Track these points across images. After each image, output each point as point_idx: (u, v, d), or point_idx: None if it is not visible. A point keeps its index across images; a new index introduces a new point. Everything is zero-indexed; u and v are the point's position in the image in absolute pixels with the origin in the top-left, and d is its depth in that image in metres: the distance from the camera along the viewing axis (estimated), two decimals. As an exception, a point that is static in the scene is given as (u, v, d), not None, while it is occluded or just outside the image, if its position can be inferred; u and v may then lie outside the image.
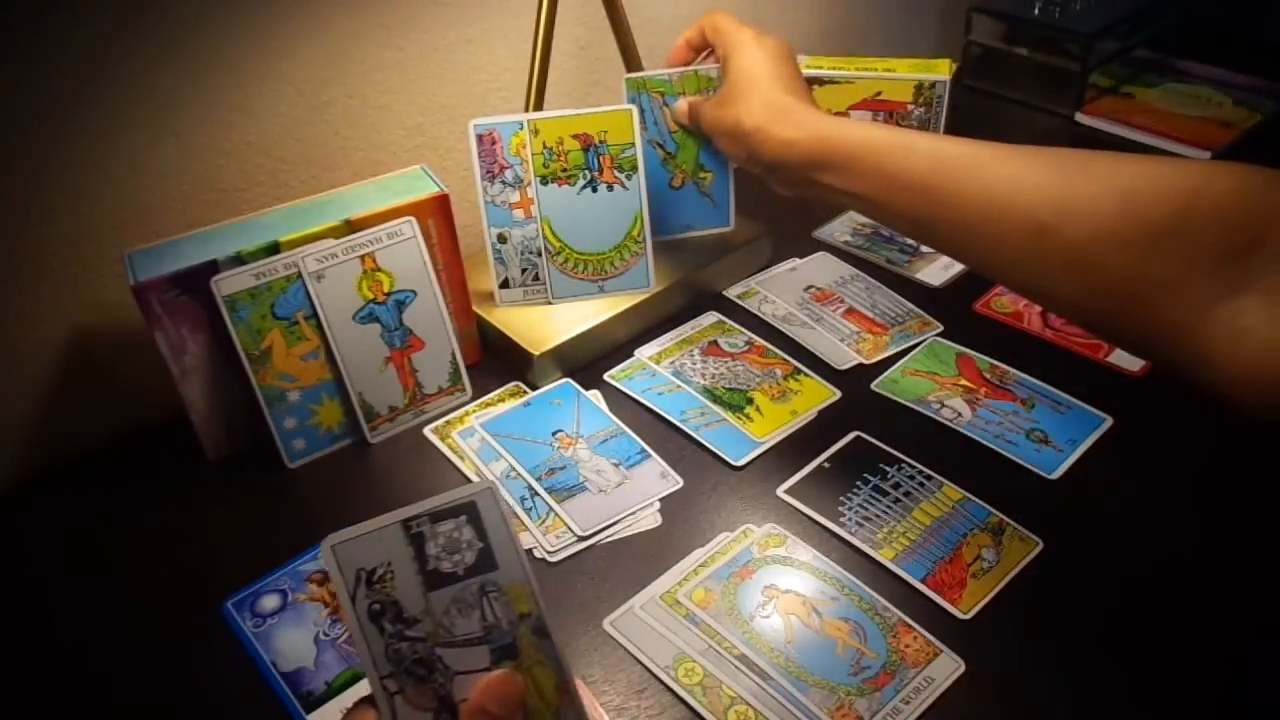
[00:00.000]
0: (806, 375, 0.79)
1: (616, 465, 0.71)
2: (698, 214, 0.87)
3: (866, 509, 0.67)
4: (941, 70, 1.06)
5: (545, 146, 0.78)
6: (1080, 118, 1.16)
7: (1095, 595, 0.62)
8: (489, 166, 0.78)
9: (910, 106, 1.08)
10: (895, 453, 0.71)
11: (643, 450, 0.73)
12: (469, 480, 0.72)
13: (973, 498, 0.67)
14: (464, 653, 0.38)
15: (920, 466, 0.70)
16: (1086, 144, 1.14)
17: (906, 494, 0.68)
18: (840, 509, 0.67)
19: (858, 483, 0.69)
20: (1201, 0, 1.28)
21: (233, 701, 0.58)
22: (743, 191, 0.90)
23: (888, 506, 0.67)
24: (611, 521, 0.67)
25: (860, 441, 0.73)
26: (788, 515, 0.67)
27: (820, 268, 0.93)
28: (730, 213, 0.87)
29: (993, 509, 0.66)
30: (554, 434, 0.74)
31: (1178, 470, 0.70)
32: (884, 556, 0.63)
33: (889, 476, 0.69)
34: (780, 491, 0.69)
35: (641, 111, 0.80)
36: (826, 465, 0.70)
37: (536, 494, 0.69)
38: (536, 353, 0.78)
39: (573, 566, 0.65)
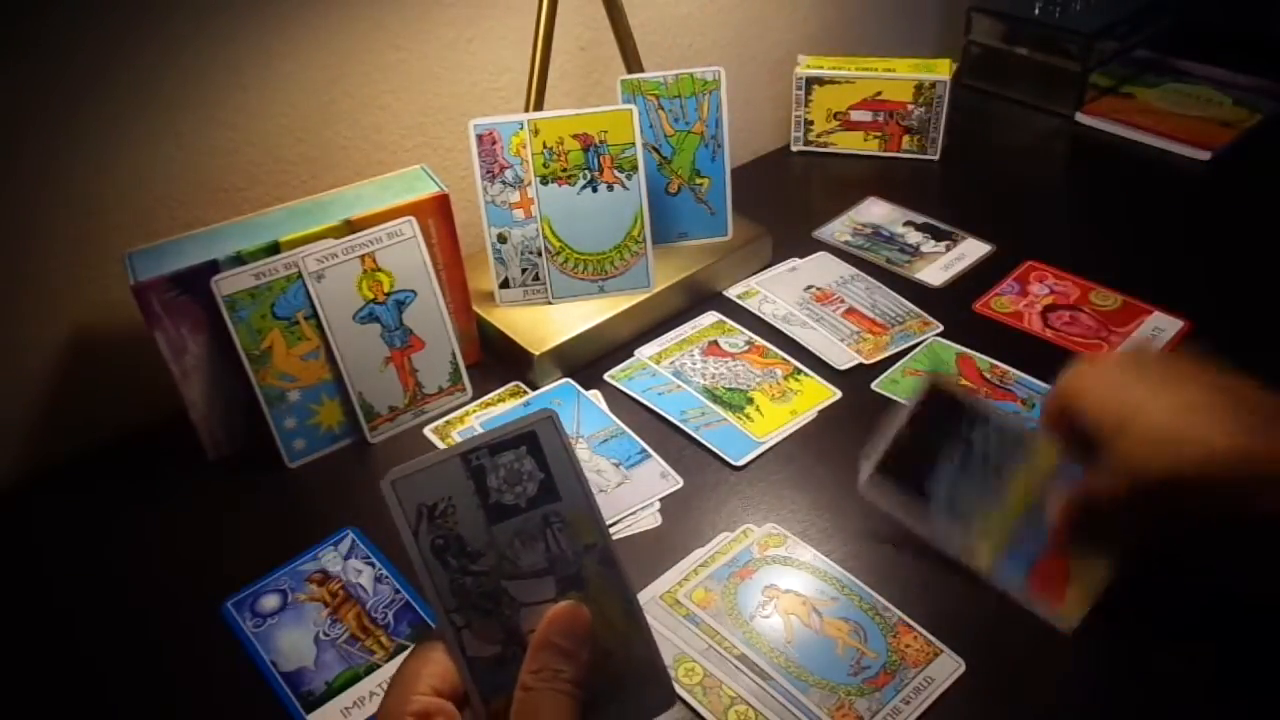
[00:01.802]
0: (806, 375, 0.79)
1: (617, 465, 0.71)
2: (694, 222, 0.87)
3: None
4: (941, 70, 1.06)
5: (545, 146, 0.78)
6: (1080, 118, 1.16)
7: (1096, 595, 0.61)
8: (489, 166, 0.78)
9: (910, 106, 1.08)
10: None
11: (643, 450, 0.73)
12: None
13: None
14: (529, 584, 0.38)
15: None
16: (1086, 144, 1.14)
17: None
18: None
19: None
20: (1201, 0, 1.28)
21: (233, 701, 0.58)
22: (742, 191, 0.90)
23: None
24: (611, 521, 0.67)
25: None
26: (788, 515, 0.67)
27: (820, 268, 0.93)
28: (728, 221, 0.87)
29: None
30: (554, 434, 0.74)
31: (1178, 470, 0.70)
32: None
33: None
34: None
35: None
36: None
37: (536, 494, 0.69)
38: (536, 353, 0.78)
39: (573, 566, 0.65)
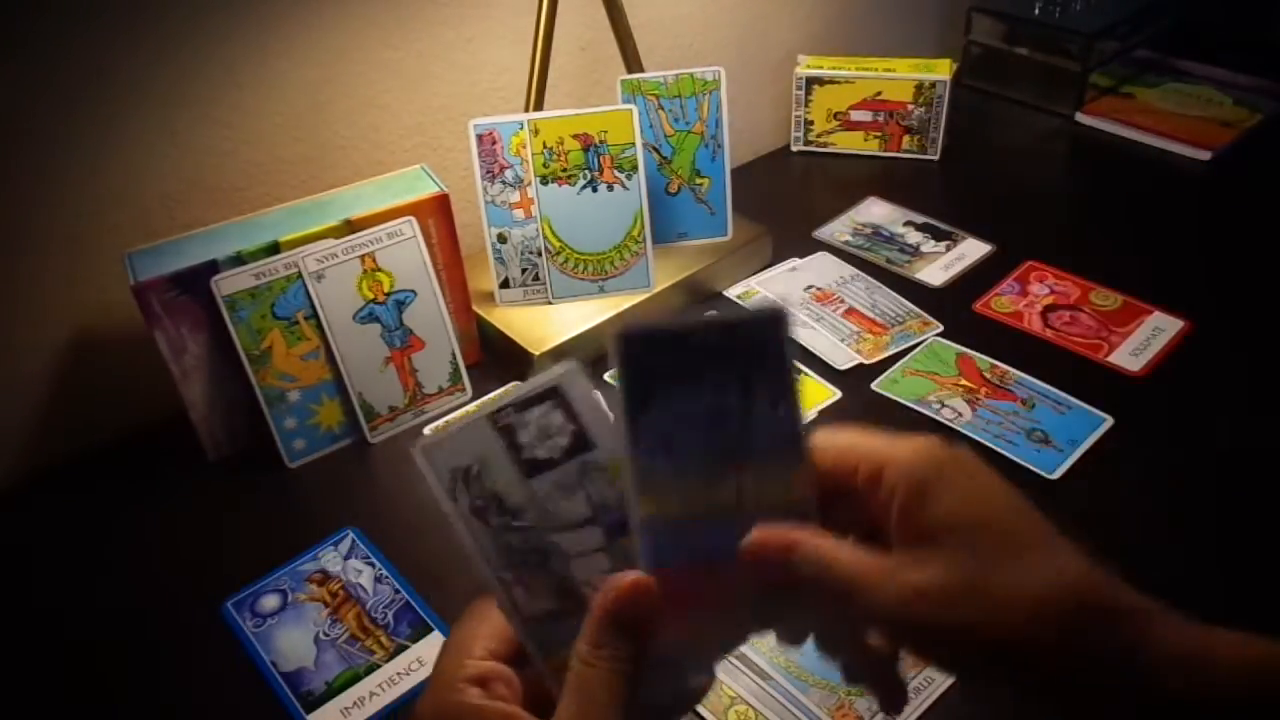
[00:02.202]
0: (806, 375, 0.79)
1: (616, 465, 0.71)
2: (694, 222, 0.87)
3: None
4: (941, 70, 1.06)
5: (545, 146, 0.78)
6: (1080, 118, 1.16)
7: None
8: (489, 166, 0.78)
9: (910, 106, 1.08)
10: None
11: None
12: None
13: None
14: (576, 535, 0.37)
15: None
16: (1087, 144, 1.14)
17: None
18: None
19: None
20: (1201, 0, 1.28)
21: (233, 701, 0.58)
22: (742, 191, 0.90)
23: None
24: (611, 521, 0.67)
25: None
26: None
27: (820, 268, 0.93)
28: (728, 221, 0.87)
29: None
30: (554, 434, 0.74)
31: (1177, 470, 0.70)
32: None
33: None
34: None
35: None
36: None
37: (536, 494, 0.69)
38: (536, 353, 0.78)
39: (573, 566, 0.65)
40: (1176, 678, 0.33)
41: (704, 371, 0.37)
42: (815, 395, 0.77)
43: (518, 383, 0.38)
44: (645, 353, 0.37)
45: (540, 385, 0.38)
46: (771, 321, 0.36)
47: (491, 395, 0.79)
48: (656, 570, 0.36)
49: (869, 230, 0.98)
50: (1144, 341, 0.81)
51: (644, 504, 0.36)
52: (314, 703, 0.58)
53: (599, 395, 0.38)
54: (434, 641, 0.60)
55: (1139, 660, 0.33)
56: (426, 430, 0.76)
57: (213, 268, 0.68)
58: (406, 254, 0.73)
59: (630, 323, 0.37)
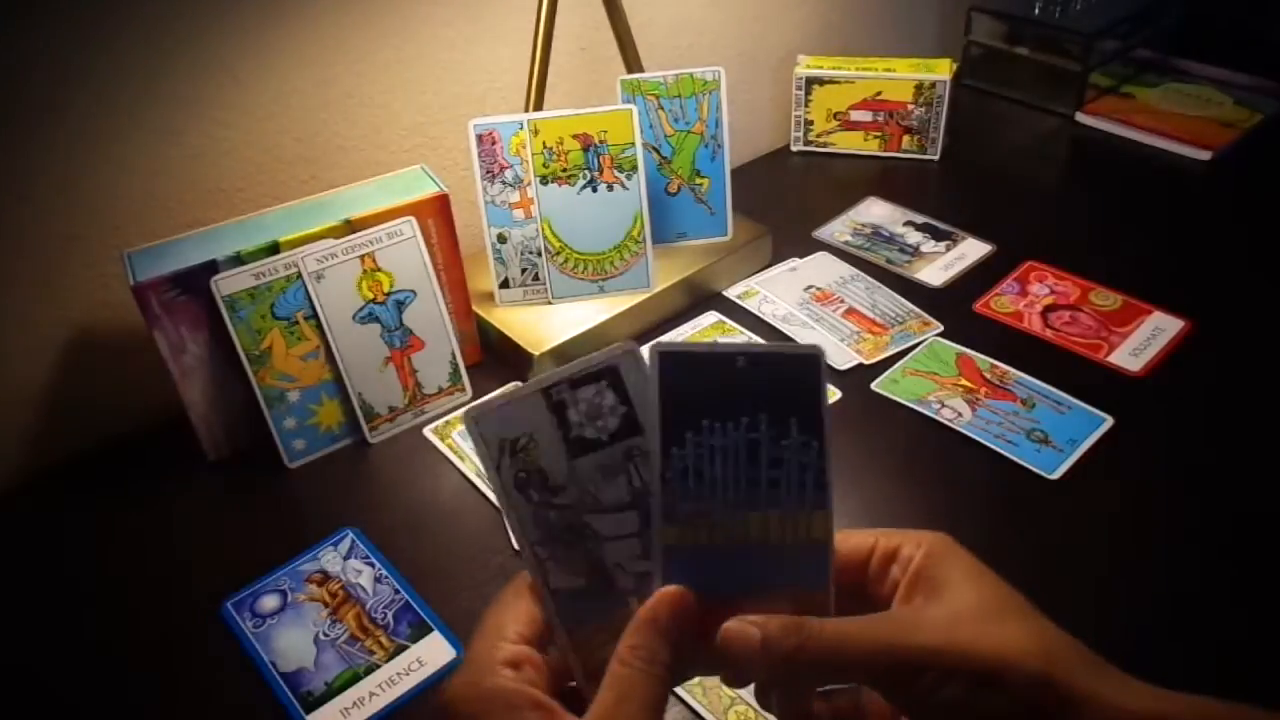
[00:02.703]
0: (806, 375, 0.79)
1: (616, 465, 0.71)
2: (694, 222, 0.87)
3: None
4: (941, 70, 1.06)
5: (545, 146, 0.78)
6: (1080, 117, 1.16)
7: (1096, 596, 0.61)
8: (489, 166, 0.78)
9: (910, 106, 1.08)
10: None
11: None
12: (470, 481, 0.72)
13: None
14: (613, 519, 0.37)
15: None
16: (1087, 144, 1.14)
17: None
18: None
19: None
20: (1201, 0, 1.28)
21: (232, 701, 0.58)
22: (742, 191, 0.90)
23: None
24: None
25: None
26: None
27: (820, 268, 0.93)
28: (728, 221, 0.87)
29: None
30: (554, 434, 0.74)
31: (1178, 470, 0.70)
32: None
33: None
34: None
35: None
36: None
37: (536, 494, 0.69)
38: (536, 353, 0.78)
39: (573, 566, 0.65)
40: None
41: (739, 401, 0.37)
42: (815, 395, 0.77)
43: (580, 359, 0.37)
44: (684, 375, 0.37)
45: (596, 364, 0.37)
46: (810, 359, 0.37)
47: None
48: None
49: (869, 230, 0.98)
50: (1144, 341, 0.81)
51: (664, 534, 0.37)
52: (314, 703, 0.58)
53: (654, 381, 0.37)
54: (434, 641, 0.60)
55: None
56: (426, 430, 0.76)
57: (212, 268, 0.68)
58: (406, 254, 0.73)
59: (669, 342, 0.38)
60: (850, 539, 0.40)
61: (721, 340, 0.82)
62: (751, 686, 0.39)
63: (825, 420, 0.37)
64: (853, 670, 0.37)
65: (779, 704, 0.39)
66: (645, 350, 0.37)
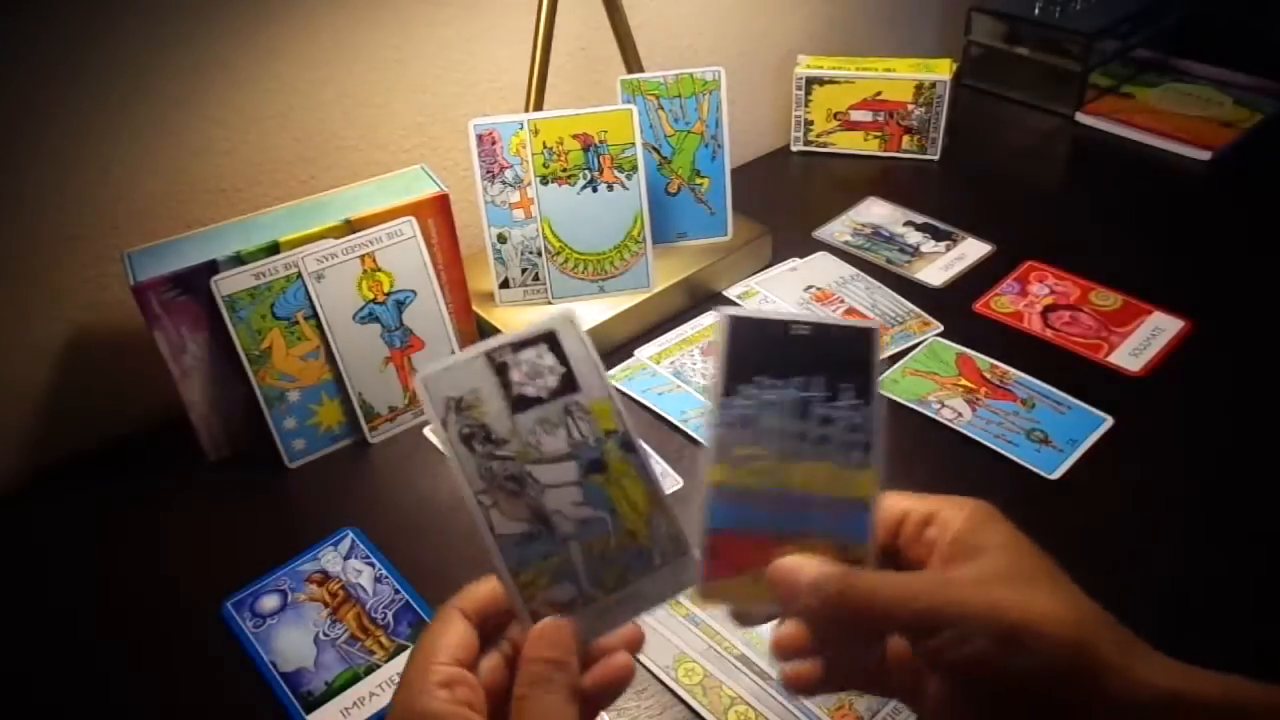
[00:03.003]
0: (806, 375, 0.79)
1: (616, 465, 0.71)
2: (694, 222, 0.87)
3: None
4: (941, 70, 1.06)
5: (545, 146, 0.78)
6: (1080, 118, 1.16)
7: (1095, 597, 0.61)
8: (489, 166, 0.78)
9: (910, 106, 1.08)
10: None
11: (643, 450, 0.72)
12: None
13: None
14: (553, 468, 0.41)
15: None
16: (1087, 144, 1.14)
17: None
18: None
19: None
20: (1201, 0, 1.28)
21: (232, 701, 0.58)
22: (742, 191, 0.90)
23: None
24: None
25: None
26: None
27: (820, 268, 0.93)
28: (728, 221, 0.87)
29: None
30: (554, 434, 0.74)
31: (1178, 470, 0.70)
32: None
33: None
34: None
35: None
36: None
37: (536, 494, 0.69)
38: (536, 353, 0.78)
39: (573, 566, 0.65)
40: None
41: (796, 365, 0.41)
42: (815, 395, 0.77)
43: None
44: (745, 337, 0.42)
45: (536, 329, 0.41)
46: (866, 333, 0.41)
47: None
48: (713, 533, 0.41)
49: (869, 230, 0.98)
50: (1144, 341, 0.81)
51: (714, 471, 0.41)
52: (314, 703, 0.58)
53: (589, 343, 0.41)
54: (434, 641, 0.60)
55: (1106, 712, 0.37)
56: (426, 430, 0.76)
57: (213, 268, 0.68)
58: (406, 254, 0.73)
59: (734, 309, 0.41)
60: (887, 501, 0.42)
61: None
62: (749, 687, 0.39)
63: (876, 388, 0.41)
64: (886, 620, 0.39)
65: (826, 659, 0.42)
66: (712, 315, 0.40)
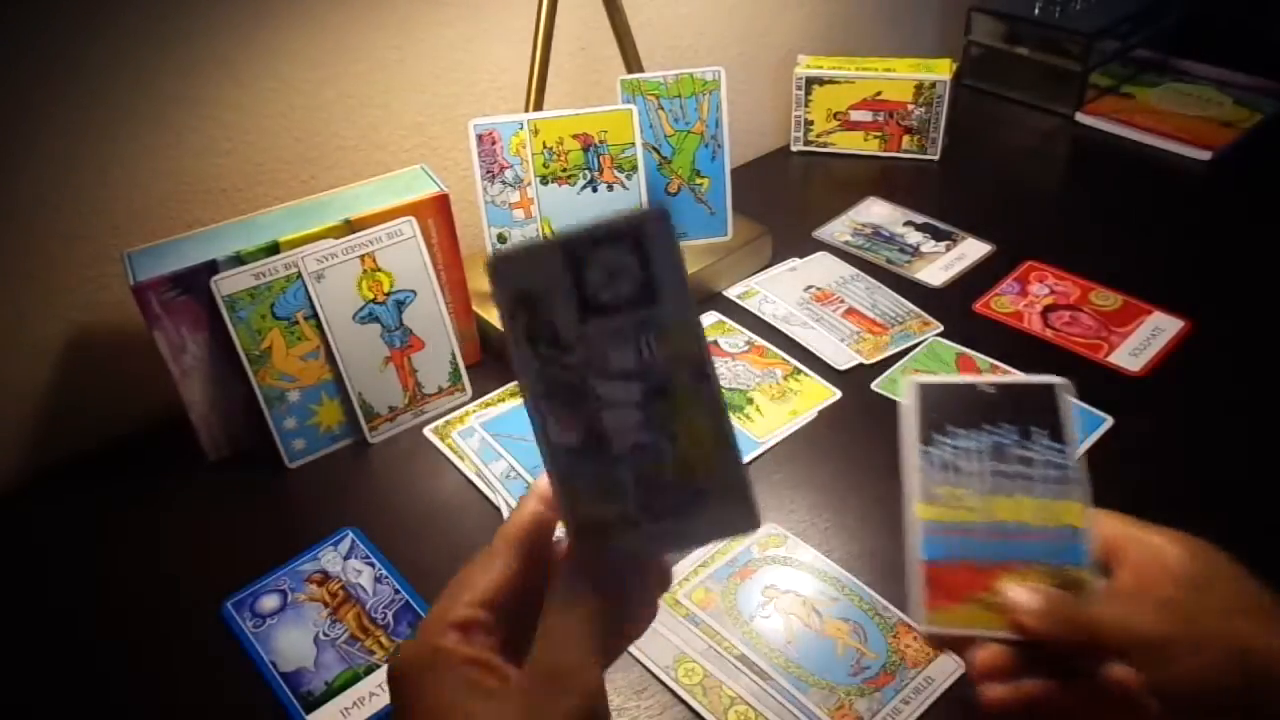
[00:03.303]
0: (806, 375, 0.79)
1: (616, 465, 0.71)
2: (694, 222, 0.87)
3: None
4: (941, 70, 1.06)
5: (545, 146, 0.78)
6: (1080, 117, 1.16)
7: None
8: (489, 166, 0.78)
9: (910, 106, 1.08)
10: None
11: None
12: (470, 480, 0.72)
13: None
14: (616, 386, 0.37)
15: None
16: (1087, 144, 1.14)
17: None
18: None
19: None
20: (1201, 0, 1.28)
21: (232, 701, 0.58)
22: (742, 191, 0.90)
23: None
24: (611, 521, 0.67)
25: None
26: (787, 514, 0.67)
27: (820, 268, 0.93)
28: (728, 221, 0.87)
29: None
30: (554, 434, 0.74)
31: (1178, 470, 0.70)
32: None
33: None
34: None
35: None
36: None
37: (536, 494, 0.69)
38: (536, 353, 0.78)
39: (573, 566, 0.65)
40: None
41: (986, 419, 0.45)
42: (815, 395, 0.77)
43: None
44: (935, 400, 0.45)
45: (623, 224, 0.36)
46: (1051, 388, 0.44)
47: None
48: (928, 563, 0.44)
49: (869, 230, 0.98)
50: (1144, 341, 0.81)
51: (921, 509, 0.44)
52: (314, 703, 0.58)
53: (679, 252, 0.36)
54: (434, 641, 0.60)
55: None
56: (426, 430, 0.76)
57: (212, 268, 0.68)
58: (406, 254, 0.73)
59: (922, 376, 0.47)
60: (1112, 526, 0.45)
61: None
62: (749, 687, 0.40)
63: (1070, 431, 0.44)
64: (1103, 645, 0.41)
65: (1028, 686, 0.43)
66: (908, 383, 0.45)
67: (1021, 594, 0.42)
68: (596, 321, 0.36)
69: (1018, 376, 0.45)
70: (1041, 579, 0.43)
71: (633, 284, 0.36)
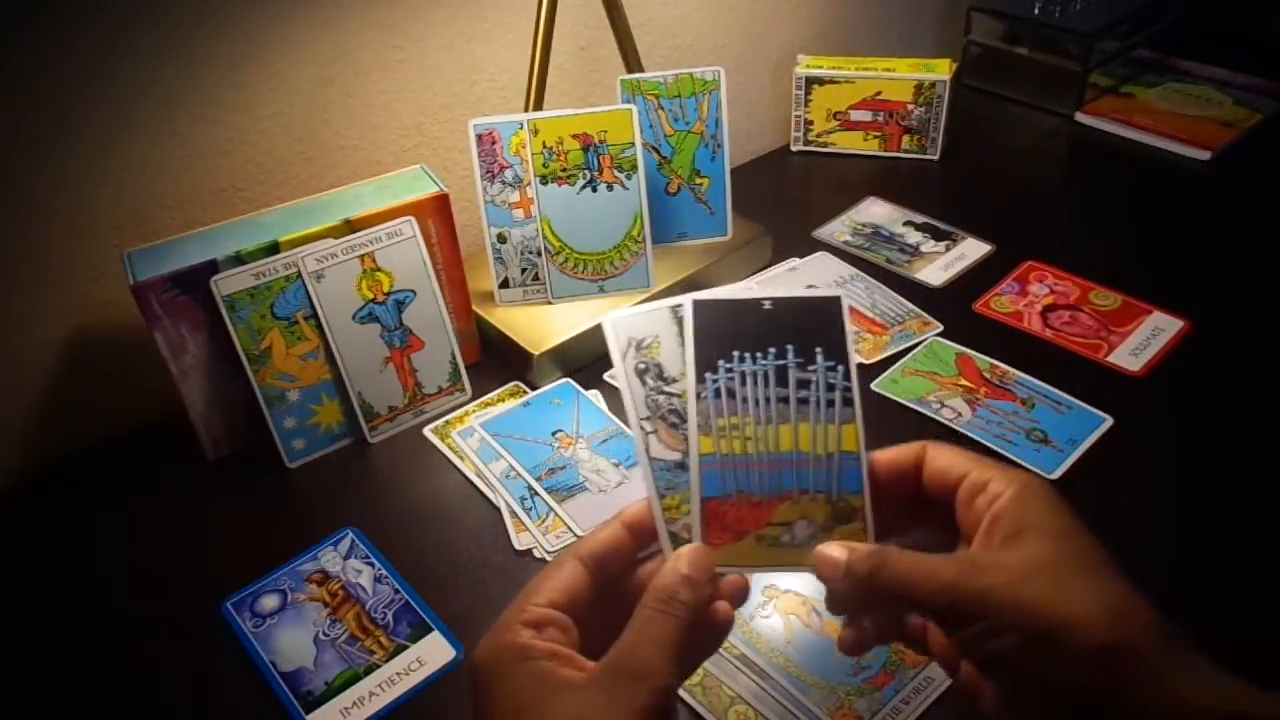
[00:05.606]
0: (806, 375, 0.79)
1: (616, 465, 0.71)
2: (694, 222, 0.87)
3: None
4: (941, 70, 1.06)
5: (545, 146, 0.78)
6: (1080, 118, 1.16)
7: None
8: (489, 166, 0.78)
9: (910, 106, 1.08)
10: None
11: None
12: (470, 480, 0.72)
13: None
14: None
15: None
16: (1087, 144, 1.14)
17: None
18: None
19: None
20: (1201, 0, 1.28)
21: (232, 701, 0.58)
22: (742, 191, 0.90)
23: None
24: (611, 521, 0.67)
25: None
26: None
27: (820, 268, 0.93)
28: (728, 221, 0.87)
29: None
30: (554, 434, 0.74)
31: (1177, 470, 0.70)
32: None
33: None
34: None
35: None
36: None
37: (536, 494, 0.69)
38: (536, 352, 0.78)
39: (572, 566, 0.65)
40: None
41: (768, 338, 0.44)
42: (815, 395, 0.77)
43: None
44: (714, 318, 0.45)
45: (679, 305, 0.45)
46: (833, 302, 0.45)
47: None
48: (708, 500, 0.43)
49: (869, 230, 0.98)
50: (1144, 341, 0.81)
51: (703, 444, 0.44)
52: (313, 703, 0.58)
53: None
54: (434, 641, 0.60)
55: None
56: (426, 430, 0.76)
57: (212, 268, 0.68)
58: (406, 254, 0.73)
59: (702, 293, 0.45)
60: (940, 458, 0.43)
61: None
62: (749, 687, 0.40)
63: (849, 349, 0.44)
64: (916, 605, 0.40)
65: (870, 620, 0.43)
66: (688, 302, 0.45)
67: (825, 552, 0.41)
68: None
69: (796, 291, 0.45)
70: (819, 507, 0.43)
71: None
